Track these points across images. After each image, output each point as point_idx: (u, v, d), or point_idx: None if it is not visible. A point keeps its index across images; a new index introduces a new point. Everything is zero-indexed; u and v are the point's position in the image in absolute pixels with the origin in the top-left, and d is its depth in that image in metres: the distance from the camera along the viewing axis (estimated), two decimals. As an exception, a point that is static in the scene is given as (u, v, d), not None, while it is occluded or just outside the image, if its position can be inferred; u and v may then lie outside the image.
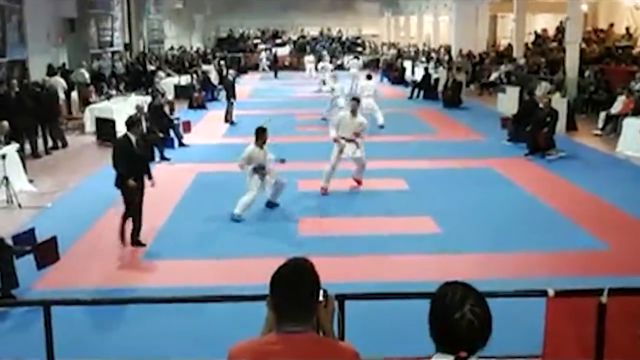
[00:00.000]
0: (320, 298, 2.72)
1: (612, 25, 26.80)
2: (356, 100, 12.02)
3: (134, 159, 8.65)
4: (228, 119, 19.65)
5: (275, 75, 37.64)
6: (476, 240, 8.92)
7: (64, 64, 22.24)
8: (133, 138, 8.62)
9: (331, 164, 11.37)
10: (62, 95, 18.74)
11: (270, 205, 10.47)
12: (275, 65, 39.52)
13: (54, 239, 7.76)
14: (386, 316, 6.25)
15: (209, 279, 7.56)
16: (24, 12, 19.81)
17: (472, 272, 7.37)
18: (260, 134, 10.10)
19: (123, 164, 8.59)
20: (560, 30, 29.20)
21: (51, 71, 19.88)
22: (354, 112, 11.58)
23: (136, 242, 8.75)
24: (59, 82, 19.48)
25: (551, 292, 4.25)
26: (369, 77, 20.18)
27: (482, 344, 2.29)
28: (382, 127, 17.77)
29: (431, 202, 10.79)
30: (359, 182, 11.84)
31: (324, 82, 22.67)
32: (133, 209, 8.69)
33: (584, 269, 7.77)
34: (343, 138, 11.42)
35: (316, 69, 33.28)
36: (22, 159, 12.43)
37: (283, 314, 2.58)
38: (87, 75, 21.68)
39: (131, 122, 8.79)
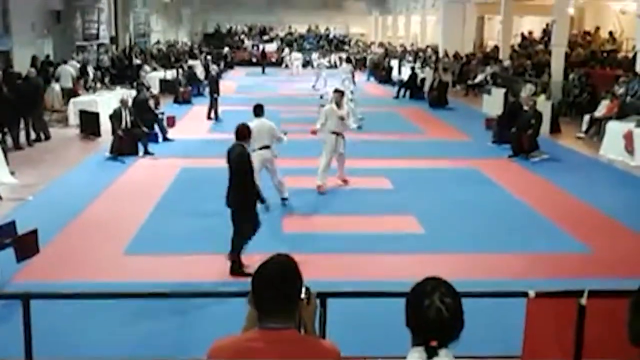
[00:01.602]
0: (303, 296, 2.71)
1: (598, 28, 26.99)
2: (339, 92, 12.05)
3: None
4: (211, 115, 19.55)
5: (263, 71, 37.48)
6: (459, 240, 8.94)
7: (47, 56, 22.05)
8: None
9: (327, 160, 11.35)
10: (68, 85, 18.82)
11: (283, 201, 10.56)
12: (264, 61, 39.37)
13: (34, 232, 7.68)
14: (368, 315, 6.25)
15: (191, 275, 7.51)
16: (8, 2, 19.64)
17: (455, 273, 7.35)
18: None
19: None
20: (547, 32, 29.41)
21: (34, 63, 19.69)
22: (338, 104, 11.59)
23: None
24: (68, 70, 19.51)
25: (532, 294, 4.28)
26: (341, 93, 20.13)
27: (453, 335, 2.33)
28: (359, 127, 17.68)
29: (415, 202, 10.81)
30: (345, 181, 11.85)
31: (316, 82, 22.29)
32: None
33: (565, 272, 7.81)
34: (335, 133, 11.42)
35: (311, 65, 33.40)
36: (4, 151, 12.31)
37: (265, 311, 2.57)
38: (74, 73, 21.51)
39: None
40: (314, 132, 11.49)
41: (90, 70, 21.82)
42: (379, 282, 7.32)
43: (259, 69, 38.46)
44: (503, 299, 5.44)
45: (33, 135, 15.59)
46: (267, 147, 10.29)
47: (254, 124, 10.15)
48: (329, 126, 11.45)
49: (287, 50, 40.08)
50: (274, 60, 41.96)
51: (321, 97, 19.36)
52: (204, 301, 5.92)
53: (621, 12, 25.12)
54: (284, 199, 10.60)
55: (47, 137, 16.01)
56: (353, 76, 23.38)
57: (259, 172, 10.18)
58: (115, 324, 6.14)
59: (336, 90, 12.32)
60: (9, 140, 14.28)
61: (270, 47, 43.80)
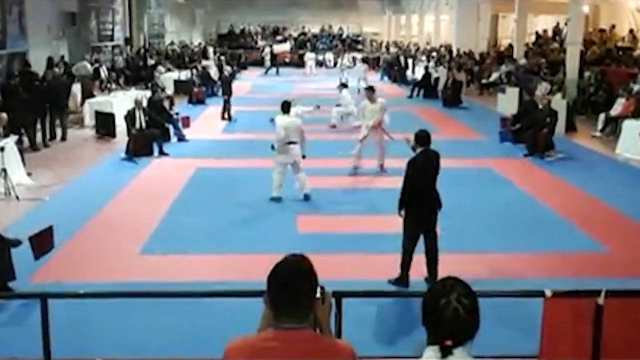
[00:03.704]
0: (318, 295, 2.71)
1: (613, 26, 26.79)
2: (371, 88, 13.27)
3: None
4: (224, 116, 19.60)
5: (277, 72, 37.28)
6: (474, 240, 8.92)
7: (62, 57, 22.18)
8: None
9: (357, 150, 12.49)
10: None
11: (306, 197, 10.83)
12: (276, 61, 39.06)
13: (50, 228, 7.75)
14: (383, 314, 6.25)
15: (207, 275, 7.54)
16: (25, 4, 19.75)
17: (470, 272, 7.32)
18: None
19: None
20: (557, 31, 29.24)
21: (50, 64, 19.82)
22: (371, 99, 12.74)
23: None
24: (86, 66, 19.76)
25: (548, 293, 4.26)
26: (345, 86, 20.20)
27: (468, 335, 2.32)
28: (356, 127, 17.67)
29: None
30: (382, 167, 12.71)
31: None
32: None
33: (581, 271, 7.77)
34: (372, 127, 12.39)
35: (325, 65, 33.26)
36: (21, 152, 12.41)
37: (279, 311, 2.58)
38: (89, 67, 21.65)
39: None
40: (361, 141, 12.53)
41: (103, 71, 21.92)
42: (394, 281, 7.32)
43: (273, 70, 38.35)
44: (519, 299, 5.42)
45: (52, 135, 15.71)
46: (294, 142, 10.60)
47: (281, 119, 10.71)
48: (367, 118, 12.54)
49: (312, 54, 39.50)
50: (287, 60, 41.96)
51: (340, 104, 19.22)
52: (220, 300, 5.93)
53: (637, 9, 24.93)
54: (306, 195, 10.79)
55: (64, 138, 16.14)
56: (365, 76, 23.54)
57: (284, 167, 10.67)
58: (131, 323, 6.18)
59: (367, 88, 13.56)
60: (25, 141, 14.37)
61: (283, 47, 43.75)
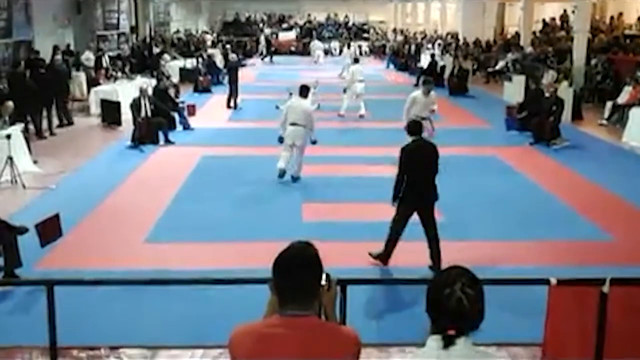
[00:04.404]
0: (323, 282, 2.72)
1: (621, 14, 26.63)
2: (429, 83, 12.86)
3: None
4: (230, 104, 19.58)
5: (271, 60, 36.81)
6: (479, 228, 8.92)
7: (68, 45, 22.19)
8: None
9: None
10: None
11: (294, 179, 11.09)
12: (269, 49, 38.21)
13: (56, 216, 7.78)
14: (387, 302, 6.26)
15: (212, 263, 7.57)
16: (30, -7, 19.78)
17: (475, 260, 7.34)
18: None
19: None
20: (564, 18, 29.07)
21: (56, 52, 19.84)
22: (426, 92, 12.36)
23: None
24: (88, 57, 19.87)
25: (553, 281, 4.26)
26: (357, 61, 20.09)
27: (472, 326, 2.32)
28: (361, 116, 17.62)
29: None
30: None
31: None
32: None
33: (586, 259, 7.76)
34: (421, 117, 11.49)
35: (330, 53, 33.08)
36: (27, 140, 12.44)
37: (285, 298, 2.59)
38: (91, 57, 21.66)
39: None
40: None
41: (105, 60, 21.91)
42: (398, 269, 7.33)
43: (279, 58, 38.22)
44: (524, 286, 5.42)
45: (56, 122, 15.76)
46: (295, 124, 10.87)
47: (293, 100, 11.22)
48: (414, 111, 11.94)
49: (319, 43, 39.13)
50: (293, 49, 41.85)
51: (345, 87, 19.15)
52: (225, 288, 5.95)
53: (645, -3, 24.77)
54: (295, 178, 11.11)
55: (70, 123, 16.21)
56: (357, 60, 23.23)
57: (288, 146, 10.96)
58: (136, 310, 6.21)
59: (425, 82, 13.25)
60: (31, 129, 14.40)
61: (289, 36, 43.63)
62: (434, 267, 7.22)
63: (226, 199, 10.17)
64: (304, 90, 11.26)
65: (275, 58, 37.92)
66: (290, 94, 11.70)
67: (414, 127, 7.62)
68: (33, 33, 20.03)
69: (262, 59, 36.92)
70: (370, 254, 7.50)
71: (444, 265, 2.52)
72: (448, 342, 2.31)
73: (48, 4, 21.18)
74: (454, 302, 2.30)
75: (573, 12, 24.10)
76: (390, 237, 7.41)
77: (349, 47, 33.04)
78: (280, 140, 11.16)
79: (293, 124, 10.92)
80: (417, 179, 7.30)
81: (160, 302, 6.24)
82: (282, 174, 11.07)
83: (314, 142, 11.27)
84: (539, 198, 10.44)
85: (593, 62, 20.69)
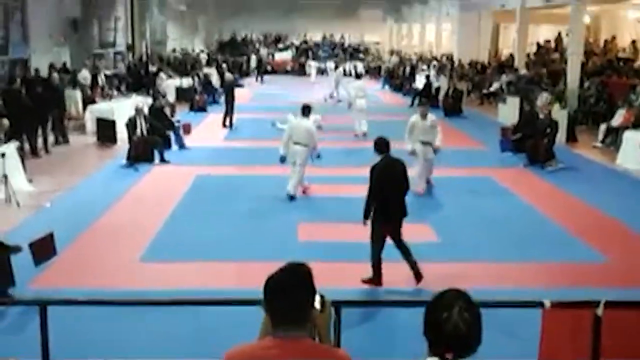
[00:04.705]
0: (318, 304, 2.72)
1: (614, 37, 26.86)
2: (424, 104, 12.60)
3: None
4: (226, 123, 19.60)
5: (261, 81, 36.51)
6: (474, 249, 8.92)
7: (64, 63, 22.24)
8: None
9: (420, 168, 11.87)
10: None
11: (288, 195, 11.19)
12: (259, 69, 38.09)
13: (50, 235, 7.76)
14: (382, 323, 6.24)
15: (207, 283, 7.54)
16: (27, 11, 19.83)
17: (470, 282, 7.34)
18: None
19: None
20: (558, 42, 29.30)
21: (52, 70, 19.89)
22: (424, 116, 12.00)
23: None
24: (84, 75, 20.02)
25: (547, 304, 4.25)
26: (359, 77, 20.23)
27: (469, 350, 2.32)
28: (365, 135, 17.64)
29: (430, 210, 10.81)
30: (428, 182, 12.11)
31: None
32: None
33: (581, 282, 7.76)
34: (422, 142, 11.83)
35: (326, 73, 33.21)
36: (22, 158, 12.42)
37: (277, 318, 2.59)
38: (88, 75, 21.71)
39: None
40: (412, 153, 11.79)
41: (101, 79, 21.97)
42: (393, 290, 7.33)
43: (273, 77, 38.32)
44: (518, 309, 5.42)
45: (52, 139, 15.76)
46: (299, 144, 11.13)
47: (296, 120, 11.50)
48: (416, 135, 11.87)
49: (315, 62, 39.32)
50: (288, 68, 42.08)
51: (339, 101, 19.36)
52: (219, 308, 5.93)
53: (638, 20, 24.99)
54: (290, 196, 11.20)
55: (66, 141, 16.22)
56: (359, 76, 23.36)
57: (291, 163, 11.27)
58: (130, 330, 6.17)
59: (420, 103, 13.35)
60: (26, 147, 14.39)
61: (284, 56, 43.88)
62: (416, 278, 7.44)
63: (221, 219, 10.17)
64: (305, 110, 11.41)
65: (271, 77, 38.04)
66: (294, 115, 11.89)
67: (382, 144, 7.70)
68: (29, 51, 20.07)
69: (256, 79, 36.98)
70: (362, 280, 7.52)
71: (440, 287, 2.52)
72: None
73: (45, 22, 21.24)
74: (452, 326, 2.30)
75: (567, 35, 24.32)
76: (373, 259, 7.50)
77: (336, 68, 32.48)
78: (282, 159, 11.26)
79: (297, 143, 11.15)
80: (388, 197, 7.44)
81: (154, 322, 6.21)
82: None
83: (318, 157, 11.51)
84: (533, 220, 10.46)
85: (587, 84, 20.82)
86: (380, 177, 7.42)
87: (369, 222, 7.54)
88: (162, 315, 6.22)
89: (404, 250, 7.55)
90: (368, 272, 7.62)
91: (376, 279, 7.50)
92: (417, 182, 11.56)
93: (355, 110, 18.11)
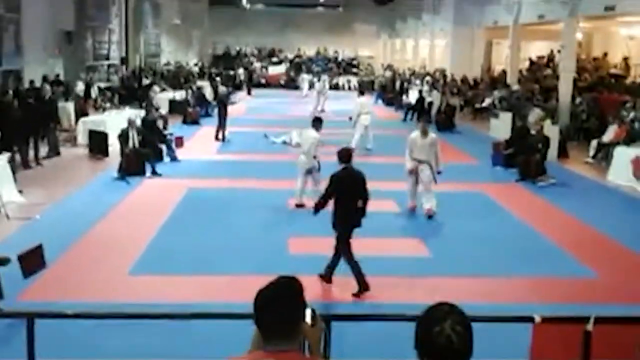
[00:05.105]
0: (309, 318, 2.71)
1: (606, 54, 27.05)
2: (425, 120, 12.26)
3: None
4: (218, 136, 19.60)
5: (249, 93, 36.94)
6: (465, 264, 8.92)
7: (57, 75, 22.23)
8: None
9: (410, 186, 11.61)
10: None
11: None
12: (249, 82, 38.54)
13: (39, 247, 7.70)
14: (373, 337, 6.22)
15: (197, 296, 7.51)
16: (21, 22, 19.86)
17: (461, 296, 7.34)
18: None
19: None
20: (551, 58, 29.49)
21: (45, 82, 19.87)
22: (424, 133, 11.47)
23: None
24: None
25: (537, 319, 4.25)
26: (362, 93, 20.38)
27: None
28: (369, 149, 17.79)
29: (422, 225, 10.81)
30: (429, 212, 11.20)
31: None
32: None
33: (571, 297, 7.77)
34: (418, 160, 11.37)
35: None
36: (13, 169, 12.37)
37: (267, 332, 2.58)
38: (83, 87, 21.72)
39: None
40: (411, 172, 11.52)
41: (94, 91, 21.95)
42: (384, 304, 7.31)
43: (267, 91, 38.43)
44: (508, 324, 5.41)
45: (43, 153, 15.71)
46: (304, 153, 11.77)
47: (305, 131, 12.06)
48: (414, 154, 11.41)
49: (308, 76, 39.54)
50: (282, 82, 42.24)
51: (350, 118, 19.43)
52: (209, 322, 5.90)
53: (629, 37, 25.19)
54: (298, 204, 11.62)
55: (57, 153, 16.16)
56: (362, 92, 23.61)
57: (304, 171, 11.67)
58: (119, 344, 6.13)
59: (419, 119, 13.44)
60: (17, 158, 14.34)
61: (278, 70, 44.02)
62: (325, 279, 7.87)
63: (212, 232, 10.14)
64: (316, 123, 11.95)
65: (264, 91, 38.13)
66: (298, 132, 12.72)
67: (344, 154, 8.06)
68: (23, 62, 20.07)
69: (248, 93, 37.17)
70: (353, 295, 7.61)
71: (431, 301, 2.51)
72: None
73: (39, 33, 21.26)
74: (443, 340, 2.30)
75: (559, 51, 24.49)
76: (353, 269, 7.69)
77: (319, 80, 32.03)
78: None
79: (303, 153, 11.78)
80: (347, 205, 7.79)
81: (142, 335, 6.16)
82: (302, 206, 11.47)
83: (318, 163, 11.83)
84: (524, 235, 10.47)
85: (578, 100, 20.96)
86: (338, 186, 7.85)
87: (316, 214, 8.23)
88: (151, 328, 6.17)
89: (337, 254, 7.85)
90: (356, 285, 7.62)
91: (363, 285, 7.62)
92: (409, 198, 11.65)
93: (359, 126, 18.12)
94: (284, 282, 2.66)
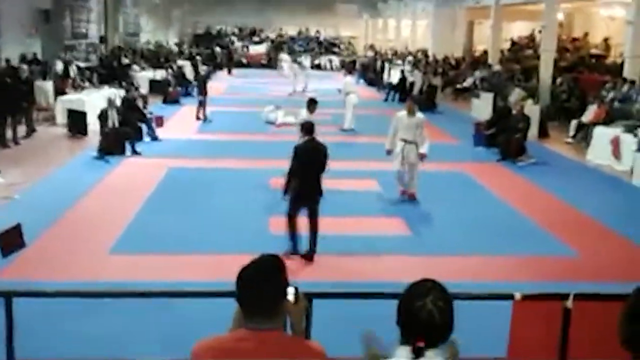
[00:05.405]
0: (292, 296, 2.70)
1: (587, 34, 27.15)
2: (413, 99, 12.27)
3: None
4: (199, 116, 19.48)
5: (229, 72, 37.18)
6: (445, 243, 8.96)
7: (35, 54, 21.91)
8: None
9: (397, 169, 11.03)
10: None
11: None
12: (230, 62, 38.77)
13: (18, 226, 7.64)
14: (353, 316, 6.23)
15: (177, 275, 7.47)
16: (-3, 1, 19.53)
17: (441, 275, 7.30)
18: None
19: None
20: (532, 38, 29.56)
21: (23, 61, 19.59)
22: (411, 112, 10.92)
23: None
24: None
25: (517, 296, 4.28)
26: (350, 73, 20.50)
27: (441, 338, 2.34)
28: (351, 129, 17.86)
29: (403, 204, 10.83)
30: (411, 196, 11.02)
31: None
32: None
33: (551, 275, 7.83)
34: (404, 140, 10.84)
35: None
36: (-10, 149, 12.23)
37: (248, 310, 2.56)
38: (60, 66, 21.43)
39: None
40: (389, 152, 11.07)
41: (72, 70, 21.67)
42: (365, 283, 7.32)
43: (248, 71, 38.25)
44: (489, 301, 5.44)
45: (23, 132, 15.52)
46: None
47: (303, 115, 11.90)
48: (400, 134, 10.91)
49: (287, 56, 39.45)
50: (263, 62, 42.03)
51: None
52: (190, 301, 5.88)
53: (610, 18, 25.29)
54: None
55: (33, 130, 16.02)
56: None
57: None
58: (99, 323, 6.08)
59: (410, 97, 13.46)
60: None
61: (259, 49, 43.79)
62: (309, 252, 8.09)
63: (192, 211, 10.09)
64: (310, 104, 12.03)
65: (245, 71, 37.95)
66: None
67: (307, 127, 8.28)
68: (0, 41, 19.75)
69: (228, 73, 37.07)
70: (285, 253, 7.64)
71: (411, 279, 2.52)
72: (418, 354, 2.31)
73: (16, 12, 20.92)
74: (425, 314, 2.32)
75: (540, 31, 24.54)
76: (291, 232, 8.16)
77: (295, 61, 31.51)
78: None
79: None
80: (307, 176, 8.09)
81: (123, 314, 6.13)
82: None
83: None
84: (505, 214, 10.54)
85: (559, 80, 21.04)
86: (302, 158, 8.08)
87: (287, 197, 8.31)
88: (132, 308, 6.14)
89: (314, 226, 8.14)
90: (340, 263, 7.63)
91: (294, 243, 8.12)
92: (398, 182, 11.22)
93: (348, 105, 18.33)
94: (266, 260, 2.65)
